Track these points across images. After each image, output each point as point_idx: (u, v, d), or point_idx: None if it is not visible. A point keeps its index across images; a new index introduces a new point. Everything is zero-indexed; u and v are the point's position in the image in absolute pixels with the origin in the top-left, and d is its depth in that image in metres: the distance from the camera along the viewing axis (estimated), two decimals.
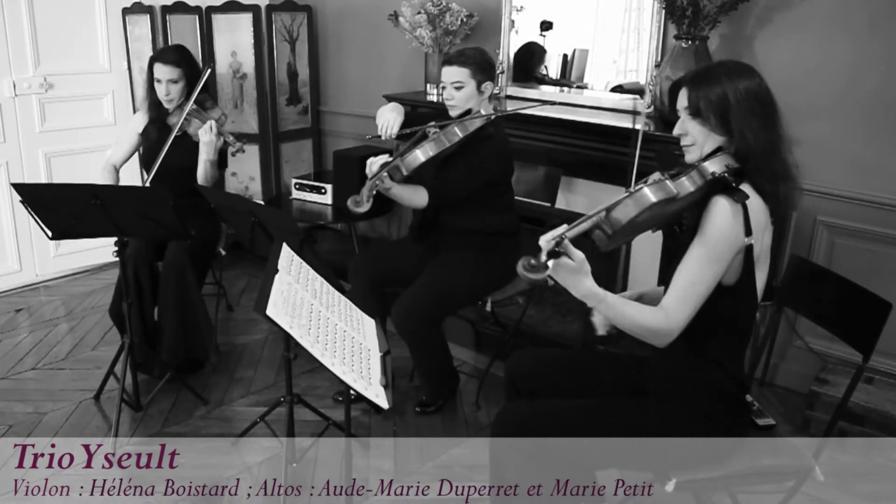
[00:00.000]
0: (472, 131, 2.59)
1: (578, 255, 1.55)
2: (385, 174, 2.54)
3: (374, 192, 2.56)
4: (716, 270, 1.62)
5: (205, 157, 2.99)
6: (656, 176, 1.63)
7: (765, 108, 1.65)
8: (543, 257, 1.49)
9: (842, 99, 2.74)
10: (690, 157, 1.72)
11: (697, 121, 1.68)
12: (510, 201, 2.85)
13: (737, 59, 1.95)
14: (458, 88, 2.65)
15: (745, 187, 1.63)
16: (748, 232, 1.61)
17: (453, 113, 2.69)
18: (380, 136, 2.74)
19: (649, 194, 1.58)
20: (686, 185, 1.61)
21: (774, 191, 1.65)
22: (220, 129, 2.97)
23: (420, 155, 2.55)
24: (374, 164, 2.60)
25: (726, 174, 1.62)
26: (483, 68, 2.66)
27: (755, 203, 1.62)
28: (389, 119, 2.74)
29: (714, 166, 1.63)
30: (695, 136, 1.70)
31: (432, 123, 2.68)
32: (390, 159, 2.58)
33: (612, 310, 1.62)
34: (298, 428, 2.54)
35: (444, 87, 2.70)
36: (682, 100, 1.70)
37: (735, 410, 1.78)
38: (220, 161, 3.12)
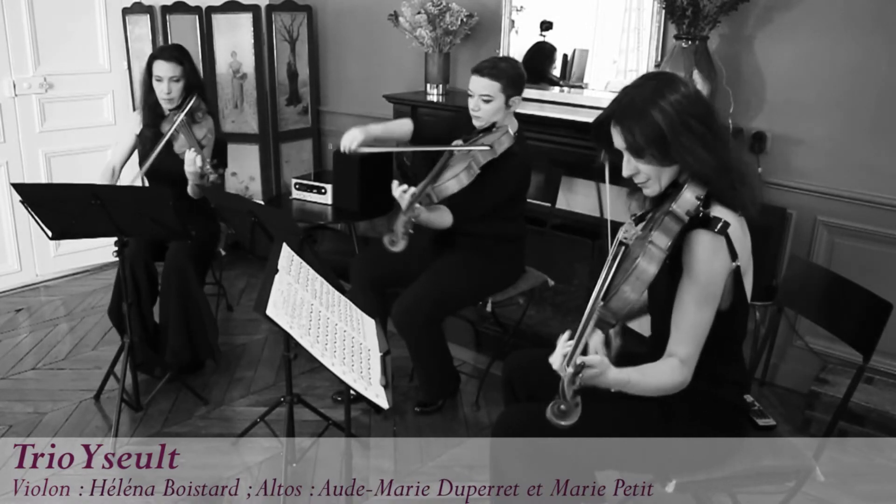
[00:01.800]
0: (499, 154, 2.54)
1: (596, 359, 1.45)
2: (418, 205, 2.46)
3: (412, 231, 2.48)
4: (713, 306, 1.59)
5: (189, 180, 2.91)
6: (638, 239, 1.55)
7: (702, 122, 1.57)
8: (570, 397, 1.39)
9: (842, 99, 2.74)
10: (650, 191, 1.66)
11: (643, 160, 1.61)
12: (521, 210, 2.82)
13: (659, 70, 1.88)
14: (486, 101, 2.57)
15: (718, 210, 1.58)
16: (734, 257, 1.58)
17: (478, 124, 2.63)
18: (342, 150, 2.67)
19: (648, 270, 1.49)
20: (666, 240, 1.53)
21: (740, 197, 1.61)
22: (201, 158, 2.81)
23: (454, 185, 2.50)
24: (404, 197, 2.44)
25: (700, 209, 1.55)
26: (515, 82, 2.58)
27: (732, 223, 1.57)
28: (352, 135, 2.66)
29: (685, 205, 1.55)
30: (647, 173, 1.63)
31: (457, 142, 2.63)
32: (418, 189, 2.48)
33: (636, 387, 1.56)
34: (298, 428, 2.54)
35: (469, 96, 2.62)
36: (618, 140, 1.62)
37: (734, 411, 1.78)
38: (220, 162, 3.10)
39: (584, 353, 1.46)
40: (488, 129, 2.62)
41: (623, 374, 1.52)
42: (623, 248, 1.58)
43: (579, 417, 1.39)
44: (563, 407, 1.38)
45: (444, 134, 2.79)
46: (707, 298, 1.58)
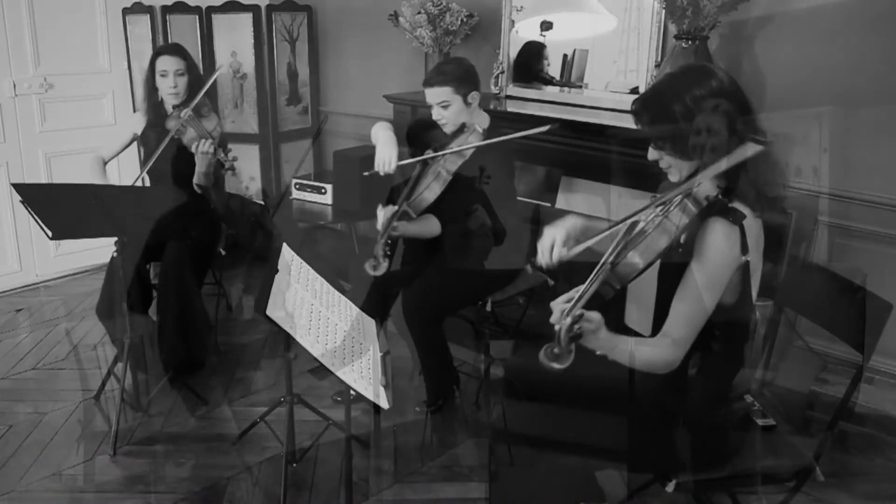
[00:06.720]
0: (469, 156, 2.56)
1: (595, 316, 1.48)
2: (395, 224, 2.50)
3: (390, 252, 2.50)
4: (716, 294, 1.60)
5: (199, 169, 2.95)
6: (652, 213, 1.58)
7: (727, 116, 1.56)
8: (565, 342, 1.42)
9: (842, 98, 2.74)
10: (673, 178, 1.69)
11: (663, 151, 1.65)
12: (513, 206, 2.81)
13: (691, 62, 1.88)
14: (444, 107, 2.62)
15: (736, 203, 1.59)
16: (745, 250, 1.58)
17: (447, 130, 2.67)
18: (378, 172, 2.65)
19: (658, 242, 1.51)
20: (683, 217, 1.55)
21: (759, 196, 1.62)
22: (214, 145, 2.89)
23: (428, 196, 2.53)
24: (380, 219, 2.52)
25: (720, 196, 1.56)
26: (464, 79, 2.60)
27: (748, 218, 1.58)
28: (386, 155, 2.64)
29: (705, 191, 1.57)
30: (669, 161, 1.66)
31: (428, 153, 2.64)
32: (395, 209, 2.52)
33: (622, 354, 1.57)
34: (298, 428, 2.54)
35: (431, 108, 2.66)
36: (644, 127, 1.67)
37: (734, 410, 1.78)
38: (220, 164, 3.09)
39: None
40: (458, 131, 2.63)
41: (614, 337, 1.55)
42: (636, 225, 1.60)
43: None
44: (556, 350, 1.41)
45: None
46: (712, 283, 1.58)
